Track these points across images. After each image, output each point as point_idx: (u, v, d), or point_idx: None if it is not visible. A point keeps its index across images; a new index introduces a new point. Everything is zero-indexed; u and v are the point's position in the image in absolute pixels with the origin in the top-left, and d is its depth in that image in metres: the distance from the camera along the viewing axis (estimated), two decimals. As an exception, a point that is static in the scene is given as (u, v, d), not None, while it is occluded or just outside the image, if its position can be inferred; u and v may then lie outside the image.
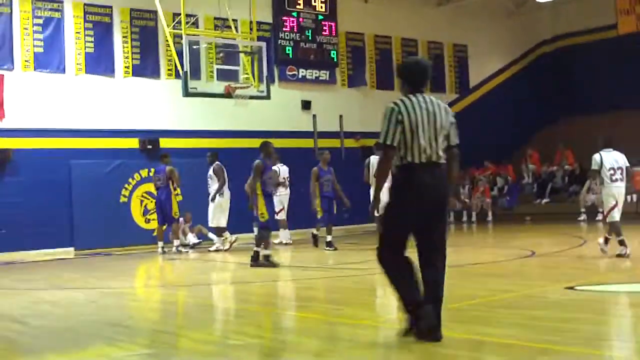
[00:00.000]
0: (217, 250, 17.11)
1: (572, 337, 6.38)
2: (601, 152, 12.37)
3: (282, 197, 18.07)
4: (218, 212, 17.19)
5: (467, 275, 11.16)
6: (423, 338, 6.11)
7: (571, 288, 8.86)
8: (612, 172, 12.21)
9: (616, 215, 12.21)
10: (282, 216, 18.04)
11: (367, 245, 17.37)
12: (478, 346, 6.30)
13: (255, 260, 13.12)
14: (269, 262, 13.05)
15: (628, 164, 12.51)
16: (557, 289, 9.05)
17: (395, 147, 6.13)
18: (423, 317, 6.05)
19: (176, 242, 17.22)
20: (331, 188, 16.09)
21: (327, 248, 15.71)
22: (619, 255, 11.90)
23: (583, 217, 21.65)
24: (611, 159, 12.29)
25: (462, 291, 9.33)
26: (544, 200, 24.56)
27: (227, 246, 17.18)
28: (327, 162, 16.33)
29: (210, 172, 17.32)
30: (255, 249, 13.23)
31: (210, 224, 17.56)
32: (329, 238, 15.86)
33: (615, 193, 12.25)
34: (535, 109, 28.31)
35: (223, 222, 17.27)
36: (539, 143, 26.94)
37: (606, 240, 12.35)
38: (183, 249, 17.27)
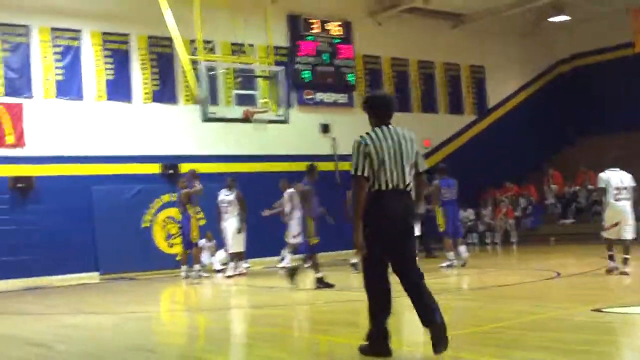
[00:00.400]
0: (240, 274, 16.98)
1: (600, 360, 6.31)
2: (607, 171, 12.66)
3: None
4: (239, 238, 17.05)
5: (492, 298, 11.09)
6: (437, 351, 6.42)
7: (598, 310, 8.75)
8: (617, 191, 12.53)
9: (626, 234, 12.55)
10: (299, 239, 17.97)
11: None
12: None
13: (293, 272, 13.10)
14: (324, 284, 13.05)
15: (634, 184, 12.65)
16: (583, 311, 8.95)
17: (366, 177, 6.52)
18: (432, 336, 6.44)
19: (196, 267, 17.14)
20: None
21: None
22: (608, 271, 12.45)
23: (608, 237, 21.41)
24: (617, 178, 12.58)
25: (488, 314, 9.28)
26: (569, 221, 24.37)
27: (231, 272, 16.92)
28: None
29: (232, 197, 17.12)
30: (294, 265, 13.46)
31: (230, 250, 17.40)
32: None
33: (620, 212, 12.53)
34: (554, 129, 28.22)
35: (242, 247, 17.18)
36: (559, 163, 26.80)
37: (625, 261, 12.41)
38: (203, 274, 17.23)
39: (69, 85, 19.40)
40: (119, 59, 20.23)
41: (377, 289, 6.67)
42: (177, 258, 18.30)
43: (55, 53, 19.32)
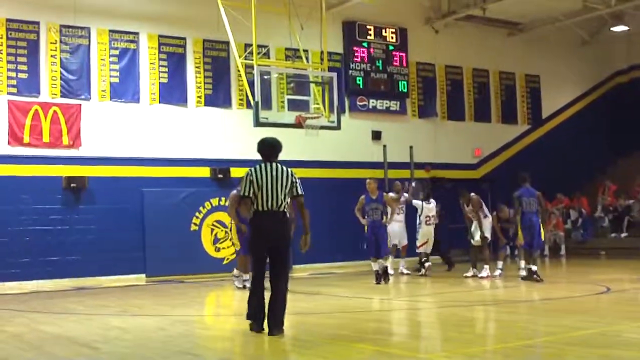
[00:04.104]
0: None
1: (650, 379, 6.17)
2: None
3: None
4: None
5: (540, 311, 10.97)
6: (270, 333, 8.84)
7: (648, 327, 8.60)
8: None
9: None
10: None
11: (440, 278, 17.21)
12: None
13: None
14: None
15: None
16: (633, 328, 8.80)
17: (249, 197, 8.90)
18: (269, 323, 8.95)
19: (236, 272, 15.80)
20: None
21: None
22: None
23: (660, 252, 21.09)
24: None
25: (536, 327, 9.18)
26: (623, 235, 23.94)
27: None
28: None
29: None
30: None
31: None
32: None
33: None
34: (610, 141, 27.79)
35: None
36: (613, 176, 26.37)
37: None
38: (243, 284, 15.28)
39: (125, 88, 19.66)
40: (174, 62, 20.45)
41: (256, 278, 9.02)
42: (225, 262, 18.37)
43: (112, 55, 19.61)
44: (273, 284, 8.95)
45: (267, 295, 9.01)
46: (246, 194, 8.91)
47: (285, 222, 8.98)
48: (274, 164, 9.01)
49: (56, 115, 18.73)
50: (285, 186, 8.89)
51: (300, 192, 9.00)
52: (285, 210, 8.93)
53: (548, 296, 12.80)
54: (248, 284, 14.75)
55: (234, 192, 15.33)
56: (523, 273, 15.32)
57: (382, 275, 15.70)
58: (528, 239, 15.09)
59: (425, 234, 17.69)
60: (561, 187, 25.62)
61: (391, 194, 17.68)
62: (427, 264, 17.63)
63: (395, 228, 17.84)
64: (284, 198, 8.87)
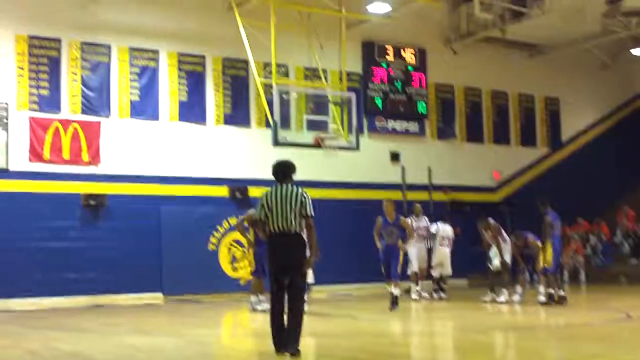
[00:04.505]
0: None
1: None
2: None
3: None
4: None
5: (558, 338, 10.84)
6: (287, 350, 8.63)
7: (670, 356, 8.46)
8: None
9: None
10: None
11: (458, 302, 17.09)
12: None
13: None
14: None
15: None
16: (654, 357, 8.66)
17: (262, 221, 8.96)
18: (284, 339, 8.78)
19: (252, 299, 15.23)
20: None
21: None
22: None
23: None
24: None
25: (554, 353, 9.06)
26: (641, 260, 23.72)
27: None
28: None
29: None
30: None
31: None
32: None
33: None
34: (631, 165, 27.57)
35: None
36: (634, 200, 26.13)
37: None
38: (259, 307, 14.89)
39: (144, 106, 19.71)
40: (194, 81, 20.48)
41: (272, 299, 8.92)
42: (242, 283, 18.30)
43: (132, 73, 19.69)
44: (288, 304, 8.87)
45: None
46: (259, 217, 8.97)
47: (297, 242, 8.88)
48: (284, 185, 8.98)
49: (76, 132, 18.80)
50: (295, 206, 8.80)
51: (309, 213, 8.86)
52: (298, 231, 8.83)
53: (567, 322, 12.66)
54: (258, 307, 14.81)
55: (252, 210, 14.98)
56: (542, 298, 15.20)
57: (393, 301, 15.13)
58: (556, 262, 15.12)
59: (439, 256, 17.71)
60: (580, 211, 25.40)
61: (409, 220, 17.41)
62: (435, 295, 17.89)
63: (421, 252, 17.88)
64: (294, 218, 8.79)
